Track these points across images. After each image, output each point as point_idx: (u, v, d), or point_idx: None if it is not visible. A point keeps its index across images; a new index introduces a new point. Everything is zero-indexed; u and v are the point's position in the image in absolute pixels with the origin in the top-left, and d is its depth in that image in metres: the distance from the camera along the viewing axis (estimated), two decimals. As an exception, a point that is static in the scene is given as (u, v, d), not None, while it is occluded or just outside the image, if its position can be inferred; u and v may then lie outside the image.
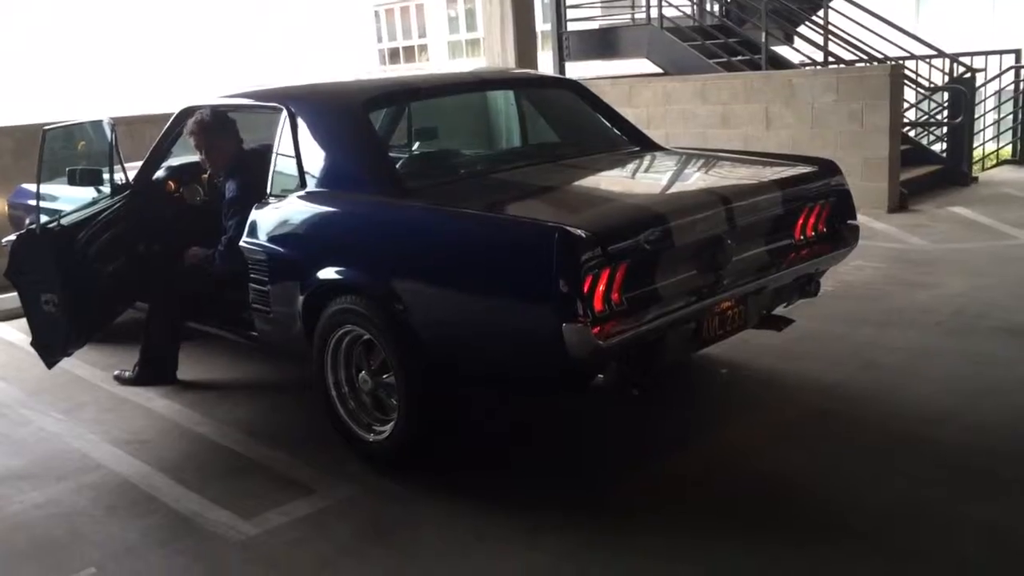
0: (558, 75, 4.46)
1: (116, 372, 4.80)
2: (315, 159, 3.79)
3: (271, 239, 3.87)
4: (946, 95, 9.19)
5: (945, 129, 9.26)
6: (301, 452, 3.82)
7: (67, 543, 3.25)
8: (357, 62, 25.99)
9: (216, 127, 4.39)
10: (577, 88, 4.59)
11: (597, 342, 2.87)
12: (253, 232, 3.95)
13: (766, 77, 8.54)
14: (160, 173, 4.88)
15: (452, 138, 4.63)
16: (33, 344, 4.14)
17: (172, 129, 4.58)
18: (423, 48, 30.39)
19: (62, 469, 3.82)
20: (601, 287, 2.94)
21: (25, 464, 3.90)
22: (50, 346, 4.08)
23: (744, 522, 3.10)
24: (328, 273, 3.57)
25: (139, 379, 4.71)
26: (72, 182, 4.41)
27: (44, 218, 3.98)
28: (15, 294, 6.20)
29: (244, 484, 3.60)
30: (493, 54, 9.80)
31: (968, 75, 8.92)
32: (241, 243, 4.00)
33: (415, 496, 3.41)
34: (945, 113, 9.31)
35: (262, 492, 3.51)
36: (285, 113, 3.93)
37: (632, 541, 3.02)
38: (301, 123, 3.86)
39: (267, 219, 3.89)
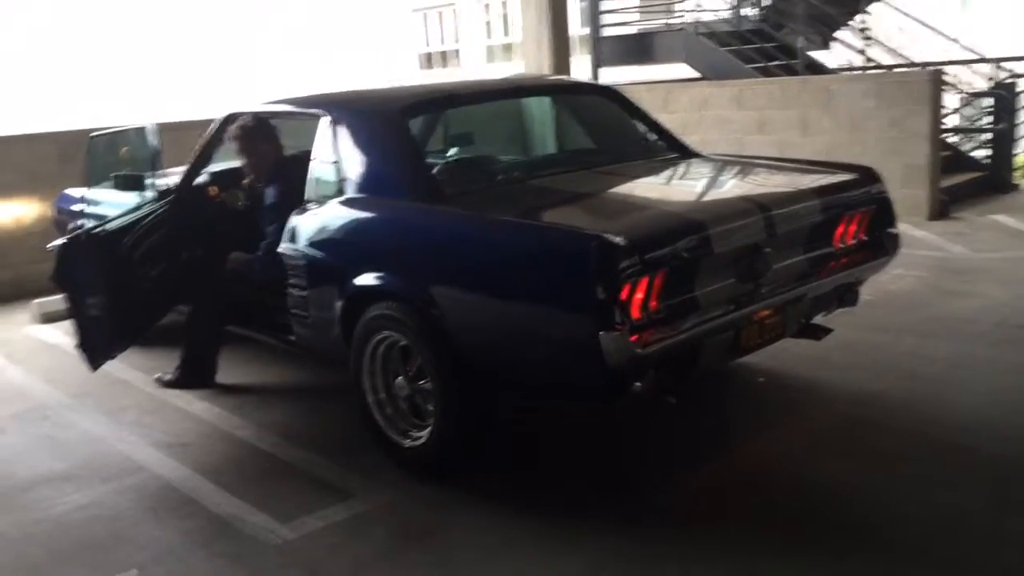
0: (594, 82, 4.44)
1: (157, 375, 4.88)
2: (354, 165, 3.82)
3: (310, 245, 3.91)
4: (987, 100, 9.05)
5: (986, 136, 9.13)
6: (338, 456, 3.85)
7: (110, 545, 3.31)
8: (397, 65, 26.14)
9: (258, 133, 4.45)
10: (613, 95, 4.59)
11: (635, 350, 2.87)
12: (292, 238, 3.99)
13: (803, 82, 8.48)
14: (202, 179, 4.95)
15: (488, 144, 4.63)
16: (78, 347, 4.21)
17: (215, 135, 4.64)
18: (457, 52, 30.52)
19: (105, 471, 3.89)
20: (639, 295, 2.94)
21: (69, 466, 3.97)
22: (95, 349, 4.16)
23: (783, 531, 3.08)
24: (366, 279, 3.61)
25: (179, 382, 4.78)
26: (117, 187, 4.49)
27: (89, 223, 4.05)
28: (59, 297, 6.47)
29: (282, 488, 3.64)
30: (530, 59, 9.82)
31: (1011, 80, 8.79)
32: (280, 248, 4.04)
33: (450, 502, 3.43)
34: (986, 119, 9.17)
35: (300, 496, 3.55)
36: (326, 119, 3.97)
37: (667, 550, 3.01)
38: (341, 129, 3.90)
39: (306, 225, 3.93)
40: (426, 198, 3.56)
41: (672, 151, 4.41)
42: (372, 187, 3.76)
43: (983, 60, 9.10)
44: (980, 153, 9.26)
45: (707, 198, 3.69)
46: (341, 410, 4.35)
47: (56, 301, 6.44)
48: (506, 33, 30.51)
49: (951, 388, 4.15)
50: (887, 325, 4.97)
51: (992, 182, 8.77)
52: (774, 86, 8.59)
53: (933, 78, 7.70)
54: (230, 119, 4.57)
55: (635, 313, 2.93)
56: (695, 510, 3.28)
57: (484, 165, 4.11)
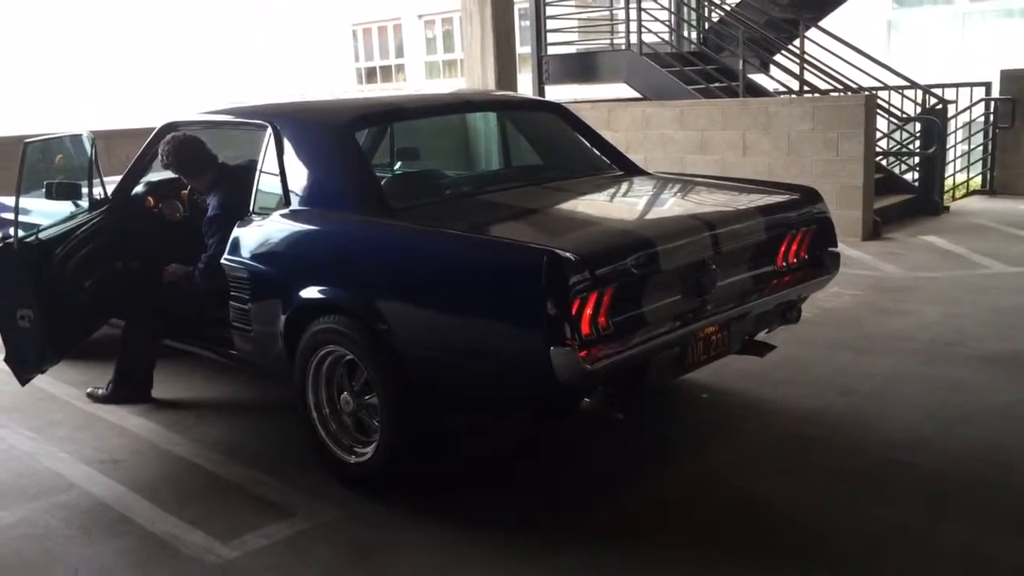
0: (540, 98, 4.46)
1: (89, 390, 4.73)
2: (300, 177, 3.77)
3: (254, 257, 3.84)
4: (918, 125, 9.33)
5: (916, 159, 9.41)
6: (280, 474, 3.77)
7: (40, 564, 3.19)
8: (334, 80, 25.93)
9: (188, 151, 4.36)
10: (560, 111, 4.61)
11: (585, 366, 2.87)
12: (235, 250, 3.91)
13: (743, 104, 8.63)
14: (139, 188, 4.83)
15: (434, 159, 4.63)
16: (7, 360, 4.06)
17: (152, 144, 4.54)
18: (400, 68, 30.44)
19: (34, 488, 3.75)
20: (588, 311, 2.94)
21: (-5, 483, 3.83)
22: (25, 362, 4.01)
23: (726, 548, 3.10)
24: (311, 292, 3.55)
25: (113, 397, 4.64)
26: (49, 196, 4.35)
27: (21, 232, 3.92)
28: None
29: (222, 506, 3.54)
30: (474, 76, 9.84)
31: (940, 106, 9.08)
32: (223, 260, 3.96)
33: (397, 520, 3.38)
34: (917, 143, 9.46)
35: (240, 514, 3.46)
36: (270, 130, 3.91)
37: (617, 567, 3.01)
38: (286, 141, 3.84)
39: (250, 237, 3.86)
40: (373, 212, 3.52)
41: (618, 168, 4.44)
42: (318, 200, 3.71)
43: (914, 86, 9.38)
44: (910, 176, 9.54)
45: (655, 215, 3.73)
46: (282, 426, 4.27)
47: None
48: (447, 50, 30.56)
49: (888, 404, 4.23)
50: (825, 342, 5.07)
51: (922, 204, 9.04)
52: (715, 107, 8.74)
53: (867, 103, 7.91)
54: (168, 128, 4.48)
55: (584, 329, 2.93)
56: (643, 527, 3.28)
57: (431, 179, 4.10)
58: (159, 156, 4.35)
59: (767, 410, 4.23)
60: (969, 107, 9.90)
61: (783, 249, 3.80)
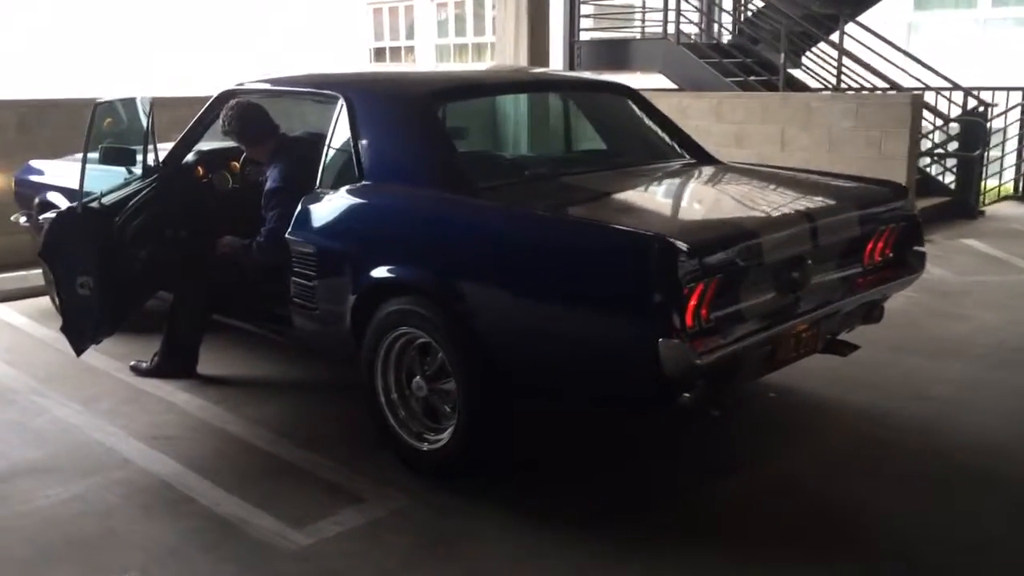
0: (612, 80, 4.33)
1: (133, 362, 4.58)
2: (375, 151, 3.62)
3: (322, 233, 3.70)
4: (955, 127, 9.21)
5: (951, 161, 9.29)
6: (341, 457, 3.64)
7: (103, 543, 3.05)
8: (348, 60, 25.61)
9: (257, 113, 4.20)
10: (632, 94, 4.47)
11: (694, 359, 2.74)
12: (301, 224, 3.76)
13: (784, 98, 8.50)
14: (190, 157, 4.68)
15: (500, 139, 4.47)
16: (64, 328, 3.91)
17: (209, 112, 4.38)
18: (410, 50, 30.19)
19: (87, 463, 3.61)
20: (693, 302, 2.81)
21: (45, 456, 3.67)
22: (82, 332, 3.87)
23: (815, 551, 2.99)
24: (385, 271, 3.41)
25: (158, 370, 4.49)
26: (105, 161, 4.19)
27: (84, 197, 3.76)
28: (17, 274, 6.08)
29: (286, 489, 3.41)
30: (505, 59, 9.66)
31: (982, 108, 8.96)
32: (287, 235, 3.81)
33: (467, 509, 3.26)
34: (952, 145, 9.34)
35: (307, 498, 3.33)
36: (342, 102, 3.76)
37: (694, 568, 2.89)
38: (361, 113, 3.69)
39: (319, 212, 3.71)
40: (456, 190, 3.37)
41: (693, 156, 4.30)
42: (395, 175, 3.56)
43: (956, 87, 9.26)
44: (947, 178, 9.43)
45: (752, 206, 3.58)
46: (334, 407, 4.15)
47: (15, 278, 6.10)
48: (458, 33, 30.33)
49: (961, 410, 4.12)
50: (889, 344, 4.92)
51: (959, 207, 8.92)
52: (754, 101, 8.60)
53: (914, 102, 7.79)
54: (226, 95, 4.32)
55: (688, 321, 2.80)
56: (723, 526, 3.16)
57: (506, 159, 3.94)
58: (221, 122, 4.19)
59: (841, 412, 4.11)
60: (1005, 111, 9.74)
61: (871, 246, 3.67)
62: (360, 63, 27.20)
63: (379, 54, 30.44)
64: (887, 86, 9.27)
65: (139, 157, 4.33)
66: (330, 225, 3.68)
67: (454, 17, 29.56)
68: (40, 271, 5.58)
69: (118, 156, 4.22)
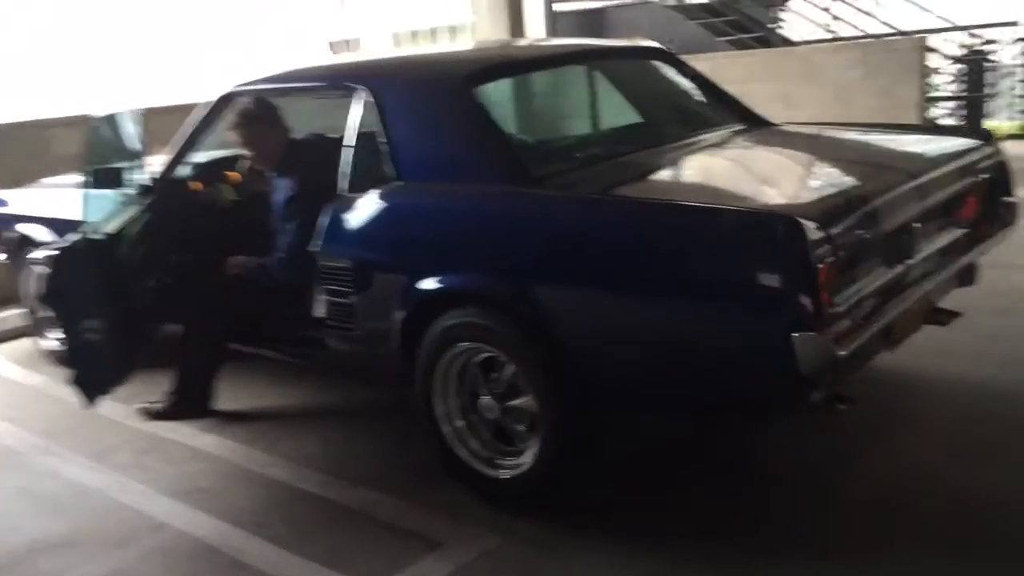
0: (645, 43, 3.91)
1: (141, 405, 4.10)
2: (414, 146, 3.18)
3: (358, 243, 3.27)
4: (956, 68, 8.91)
5: (954, 103, 9.01)
6: (404, 494, 3.22)
7: (156, 631, 2.63)
8: (308, 51, 24.80)
9: (264, 115, 3.74)
10: (666, 57, 4.05)
11: (836, 352, 2.36)
12: (332, 235, 3.32)
13: (783, 54, 8.16)
14: (185, 171, 4.20)
15: (525, 121, 4.03)
16: (73, 380, 3.45)
17: (207, 119, 3.90)
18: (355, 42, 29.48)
19: (116, 532, 3.16)
20: (826, 286, 2.42)
21: (67, 527, 3.22)
22: (93, 382, 3.40)
23: (969, 552, 2.64)
24: (440, 281, 2.99)
25: (171, 412, 4.02)
26: (94, 184, 3.72)
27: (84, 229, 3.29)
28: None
29: (353, 540, 2.99)
30: (482, 35, 9.20)
31: (984, 46, 8.67)
32: (315, 249, 3.37)
33: (562, 539, 2.87)
34: (954, 87, 9.04)
35: (380, 550, 2.91)
36: (366, 94, 3.31)
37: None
38: (391, 104, 3.25)
39: (353, 219, 3.28)
40: (514, 181, 2.94)
41: (743, 119, 3.90)
42: (439, 171, 3.12)
43: (955, 28, 8.96)
44: (948, 122, 9.14)
45: (847, 169, 3.18)
46: (383, 436, 3.73)
47: (-1, 320, 5.57)
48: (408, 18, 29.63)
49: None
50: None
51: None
52: (752, 59, 8.24)
53: (919, 45, 7.47)
54: (226, 100, 3.86)
55: (825, 309, 2.40)
56: (853, 534, 2.79)
57: (553, 141, 3.51)
58: (229, 127, 3.72)
59: (945, 389, 3.73)
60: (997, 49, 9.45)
61: (967, 202, 3.31)
62: (320, 56, 26.45)
63: (338, 45, 29.64)
64: (887, 31, 8.94)
65: (133, 176, 3.85)
66: (367, 234, 3.25)
67: (407, 3, 28.89)
68: (18, 311, 5.07)
69: (108, 177, 3.74)
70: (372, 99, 3.30)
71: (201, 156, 4.23)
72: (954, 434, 3.38)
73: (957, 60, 8.98)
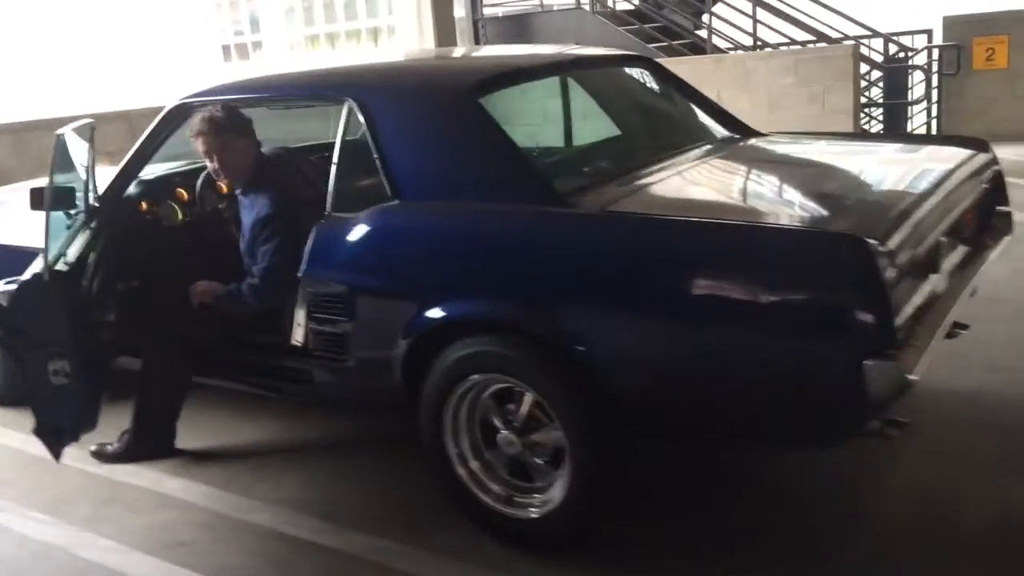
0: (629, 52, 3.77)
1: (93, 447, 3.71)
2: (415, 162, 2.95)
3: (353, 267, 3.01)
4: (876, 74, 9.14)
5: (878, 111, 9.23)
6: (413, 537, 2.98)
7: None
8: (197, 58, 23.94)
9: (233, 126, 3.43)
10: (655, 68, 3.92)
11: (907, 377, 2.25)
12: (319, 258, 3.06)
13: (717, 61, 8.17)
14: (131, 190, 3.84)
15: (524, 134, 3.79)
16: (36, 430, 3.07)
17: (156, 134, 3.57)
18: (257, 44, 28.71)
19: (92, 600, 2.83)
20: (891, 307, 2.31)
21: (33, 597, 2.87)
22: (59, 430, 3.04)
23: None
24: (454, 308, 2.77)
25: (130, 454, 3.67)
26: (37, 205, 3.34)
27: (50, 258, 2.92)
28: None
29: (365, 593, 2.74)
30: (409, 40, 8.96)
31: (902, 55, 8.90)
32: (301, 274, 3.09)
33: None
34: (872, 94, 9.27)
35: (398, 603, 2.67)
36: (351, 105, 3.06)
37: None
38: (381, 118, 3.00)
39: (345, 241, 3.01)
40: (537, 199, 2.74)
41: (737, 130, 3.80)
42: (443, 190, 2.89)
43: (876, 35, 9.16)
44: (873, 128, 9.36)
45: (875, 182, 3.08)
46: (369, 471, 3.47)
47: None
48: (307, 23, 29.04)
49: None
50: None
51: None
52: (684, 66, 8.16)
53: (853, 52, 7.59)
54: (181, 111, 3.53)
55: (895, 332, 2.29)
56: (887, 558, 2.70)
57: (567, 156, 3.32)
58: (195, 135, 3.39)
59: (969, 399, 3.66)
60: (911, 55, 9.74)
61: (971, 213, 3.27)
62: (210, 63, 25.60)
63: (225, 50, 28.76)
64: (811, 38, 9.08)
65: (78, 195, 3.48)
66: (363, 258, 3.00)
67: (301, 7, 28.26)
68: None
69: (55, 198, 3.37)
70: (359, 111, 3.04)
71: (149, 172, 3.88)
72: (974, 447, 3.33)
73: (878, 66, 9.19)
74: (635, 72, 3.94)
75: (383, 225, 2.97)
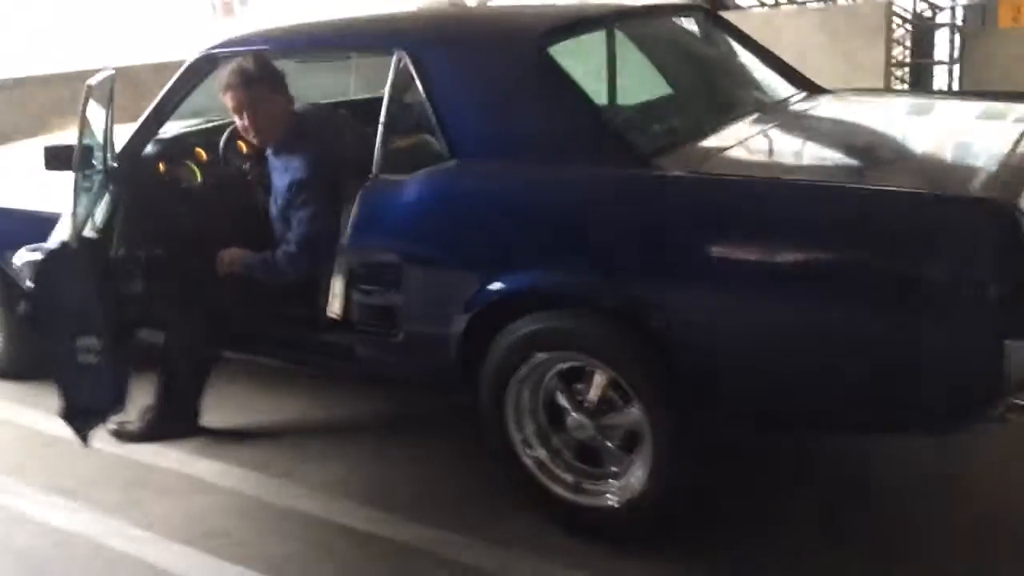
0: (689, 2, 3.50)
1: (112, 425, 3.45)
2: (472, 120, 2.68)
3: (405, 234, 2.75)
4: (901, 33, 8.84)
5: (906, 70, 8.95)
6: (464, 525, 2.75)
7: None
8: (185, 13, 23.16)
9: (266, 80, 3.14)
10: (715, 19, 3.65)
11: None
12: (367, 225, 2.80)
13: (743, 17, 7.86)
14: (148, 150, 3.55)
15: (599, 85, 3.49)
16: (64, 413, 2.82)
17: (182, 86, 3.29)
18: None
19: (129, 595, 2.60)
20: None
21: (64, 591, 2.63)
22: (88, 412, 2.79)
23: None
24: (522, 279, 2.53)
25: (154, 432, 3.41)
26: (55, 165, 3.06)
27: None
28: None
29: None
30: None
31: (930, 13, 8.62)
32: (346, 242, 2.84)
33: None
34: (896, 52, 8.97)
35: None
36: (405, 58, 2.78)
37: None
38: (438, 71, 2.73)
39: (395, 206, 2.76)
40: (616, 160, 2.48)
41: (803, 87, 3.53)
42: (508, 149, 2.62)
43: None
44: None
45: (972, 142, 2.83)
46: (416, 455, 3.23)
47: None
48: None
49: None
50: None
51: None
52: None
53: (886, 8, 7.30)
54: (207, 62, 3.24)
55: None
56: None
57: (643, 112, 3.04)
58: (224, 90, 3.11)
59: None
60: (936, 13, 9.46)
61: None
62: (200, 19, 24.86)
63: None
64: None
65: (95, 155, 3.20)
66: (418, 224, 2.74)
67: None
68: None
69: (64, 156, 3.09)
70: (412, 64, 2.77)
71: (170, 130, 3.61)
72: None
73: (910, 21, 8.89)
74: (692, 24, 3.65)
75: (440, 188, 2.71)
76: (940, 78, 9.98)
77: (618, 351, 2.44)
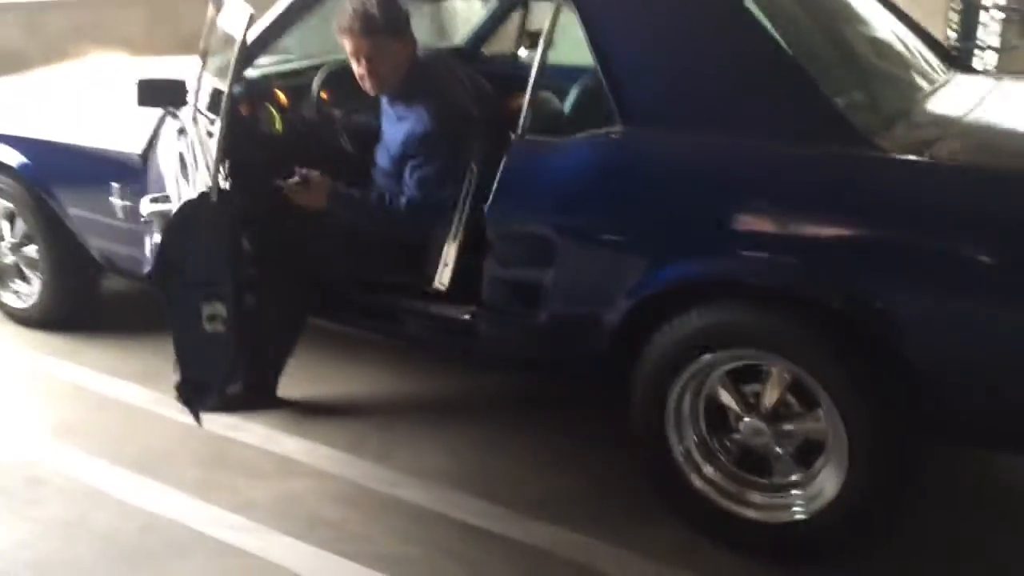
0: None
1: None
2: (650, 80, 2.35)
3: (564, 204, 2.44)
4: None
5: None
6: (599, 530, 2.48)
7: None
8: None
9: (390, 26, 2.76)
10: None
11: None
12: (515, 190, 2.48)
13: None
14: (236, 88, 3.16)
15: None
16: (181, 387, 2.48)
17: (292, 15, 2.90)
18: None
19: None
20: None
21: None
22: (207, 385, 2.46)
23: None
24: (705, 266, 2.26)
25: (234, 403, 3.06)
26: (149, 101, 2.70)
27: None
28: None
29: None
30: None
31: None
32: (486, 208, 2.52)
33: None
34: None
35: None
36: (567, 4, 2.46)
37: None
38: (610, 20, 2.41)
39: (551, 170, 2.45)
40: (835, 138, 2.17)
41: (945, 60, 3.25)
42: (693, 116, 2.30)
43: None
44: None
45: None
46: (525, 443, 2.94)
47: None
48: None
49: None
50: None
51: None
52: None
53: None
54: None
55: None
56: None
57: (843, 83, 2.71)
58: (342, 32, 2.74)
59: None
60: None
61: None
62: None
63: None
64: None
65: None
66: (579, 194, 2.42)
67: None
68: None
69: (166, 91, 2.73)
70: (576, 9, 2.44)
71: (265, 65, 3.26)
72: None
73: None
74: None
75: (609, 156, 2.40)
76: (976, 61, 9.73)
77: (820, 350, 2.17)
